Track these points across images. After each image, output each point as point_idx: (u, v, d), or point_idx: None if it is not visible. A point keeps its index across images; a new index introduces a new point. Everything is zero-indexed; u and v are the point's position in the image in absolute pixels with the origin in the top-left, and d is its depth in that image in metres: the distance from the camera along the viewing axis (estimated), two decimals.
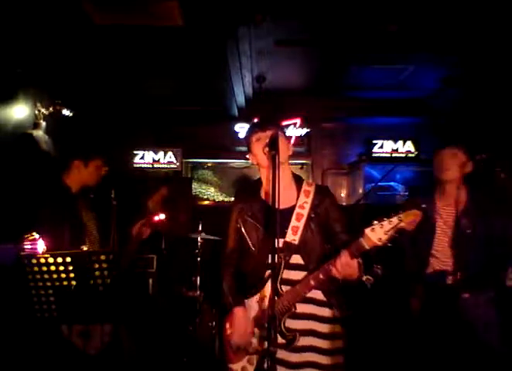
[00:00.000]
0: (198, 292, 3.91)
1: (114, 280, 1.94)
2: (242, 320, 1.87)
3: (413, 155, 6.21)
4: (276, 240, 1.67)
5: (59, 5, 3.33)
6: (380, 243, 1.63)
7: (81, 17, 3.52)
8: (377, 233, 1.62)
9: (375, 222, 1.64)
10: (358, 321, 3.65)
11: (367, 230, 1.64)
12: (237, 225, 2.01)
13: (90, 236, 2.58)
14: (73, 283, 1.92)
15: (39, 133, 4.27)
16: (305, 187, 1.99)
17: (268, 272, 1.87)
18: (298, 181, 2.03)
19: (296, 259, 1.88)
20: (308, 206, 1.92)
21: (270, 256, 1.84)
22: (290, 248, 1.86)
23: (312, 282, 1.78)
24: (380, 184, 5.72)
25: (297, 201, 1.94)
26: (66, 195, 2.54)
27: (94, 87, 5.16)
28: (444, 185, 2.53)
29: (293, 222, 1.90)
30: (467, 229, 2.39)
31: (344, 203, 6.46)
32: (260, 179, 2.06)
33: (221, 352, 2.00)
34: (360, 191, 6.25)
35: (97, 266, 1.91)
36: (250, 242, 1.95)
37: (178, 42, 4.01)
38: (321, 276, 1.76)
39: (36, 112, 4.31)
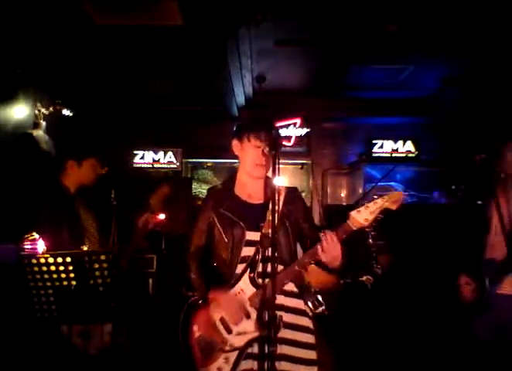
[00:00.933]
0: None
1: (114, 280, 1.94)
2: (230, 302, 1.83)
3: (413, 155, 6.21)
4: (272, 235, 1.68)
5: (59, 5, 3.33)
6: (366, 224, 1.70)
7: (81, 17, 3.52)
8: (363, 214, 1.70)
9: (360, 205, 1.73)
10: (358, 320, 3.65)
11: (353, 213, 1.71)
12: (210, 219, 2.00)
13: (90, 237, 2.57)
14: (73, 283, 1.92)
15: (39, 133, 4.27)
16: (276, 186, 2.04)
17: (241, 266, 1.87)
18: (269, 180, 2.05)
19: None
20: (281, 203, 1.96)
21: (243, 249, 1.88)
22: (266, 242, 1.87)
23: (297, 267, 1.80)
24: (380, 184, 5.71)
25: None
26: (64, 196, 2.54)
27: (94, 87, 5.16)
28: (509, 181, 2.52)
29: (268, 217, 1.92)
30: None
31: (344, 203, 6.46)
32: (234, 176, 2.07)
33: (188, 359, 1.91)
34: (360, 191, 6.25)
35: (97, 266, 1.91)
36: (224, 235, 1.93)
37: (178, 42, 4.01)
38: (306, 259, 1.79)
39: (36, 112, 4.31)
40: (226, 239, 1.93)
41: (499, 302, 2.38)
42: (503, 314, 2.38)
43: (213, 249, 2.00)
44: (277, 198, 1.94)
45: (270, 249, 1.85)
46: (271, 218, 1.87)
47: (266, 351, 1.58)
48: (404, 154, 6.22)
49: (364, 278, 3.41)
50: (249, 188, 2.00)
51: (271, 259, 1.63)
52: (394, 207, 1.70)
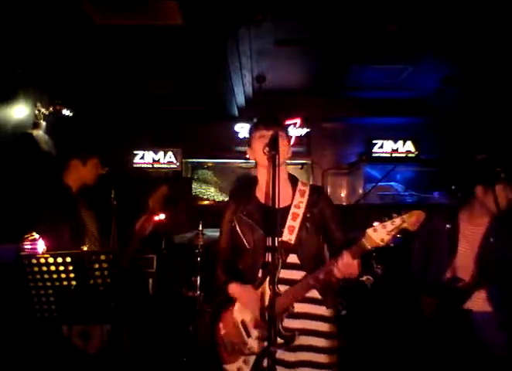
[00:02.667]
0: (198, 292, 3.91)
1: (114, 280, 1.94)
2: (249, 295, 1.85)
3: (413, 155, 6.23)
4: (272, 240, 1.68)
5: (60, 5, 3.33)
6: (382, 244, 1.61)
7: (81, 17, 3.52)
8: (380, 234, 1.61)
9: (377, 222, 1.62)
10: (358, 320, 3.65)
11: (369, 231, 1.62)
12: (232, 224, 2.00)
13: (90, 236, 2.57)
14: (73, 283, 1.91)
15: (39, 133, 4.28)
16: (300, 187, 2.00)
17: (263, 271, 1.88)
18: (293, 181, 2.04)
19: (292, 258, 1.89)
20: (303, 206, 1.93)
21: (266, 255, 1.87)
22: (286, 247, 1.87)
23: (312, 282, 1.79)
24: (380, 184, 5.72)
25: (292, 200, 1.95)
26: (66, 195, 2.54)
27: (94, 87, 5.16)
28: (483, 212, 2.36)
29: (289, 222, 1.91)
30: (495, 247, 2.30)
31: (344, 203, 6.47)
32: (255, 177, 2.05)
33: (214, 352, 1.97)
34: (360, 191, 6.26)
35: (97, 266, 1.91)
36: (245, 241, 1.94)
37: (178, 42, 4.01)
38: (321, 276, 1.76)
39: (36, 112, 4.31)
40: (247, 246, 1.93)
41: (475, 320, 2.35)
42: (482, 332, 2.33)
43: (237, 252, 2.01)
44: (300, 200, 1.95)
45: (290, 255, 1.88)
46: (291, 223, 1.89)
47: (265, 349, 1.57)
48: (404, 154, 6.23)
49: (364, 278, 3.40)
50: (270, 191, 1.89)
51: (271, 264, 1.63)
52: (412, 228, 1.59)
